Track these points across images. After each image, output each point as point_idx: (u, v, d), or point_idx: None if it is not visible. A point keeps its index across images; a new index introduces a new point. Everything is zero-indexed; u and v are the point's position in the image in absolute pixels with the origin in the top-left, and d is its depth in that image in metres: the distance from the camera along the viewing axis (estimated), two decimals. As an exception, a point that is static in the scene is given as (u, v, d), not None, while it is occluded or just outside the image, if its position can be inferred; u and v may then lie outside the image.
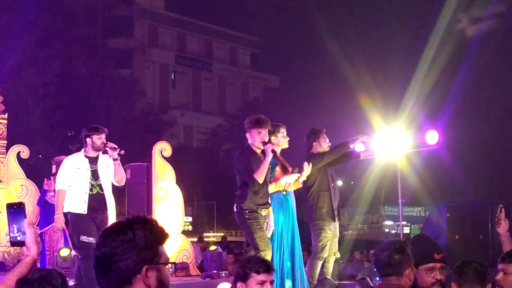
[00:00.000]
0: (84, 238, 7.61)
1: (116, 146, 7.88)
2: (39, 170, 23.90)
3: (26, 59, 27.83)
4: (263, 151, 7.39)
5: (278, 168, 7.77)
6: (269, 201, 7.42)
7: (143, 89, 40.14)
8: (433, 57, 25.61)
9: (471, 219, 15.03)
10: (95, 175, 7.84)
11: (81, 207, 7.74)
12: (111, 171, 7.91)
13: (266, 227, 7.43)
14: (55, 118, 28.69)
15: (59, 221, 7.78)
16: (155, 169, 12.17)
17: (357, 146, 8.87)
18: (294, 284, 7.58)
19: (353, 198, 29.16)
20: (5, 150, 13.44)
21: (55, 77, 28.42)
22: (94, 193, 7.80)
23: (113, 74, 34.93)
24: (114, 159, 7.87)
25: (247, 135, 7.43)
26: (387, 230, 30.95)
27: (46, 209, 11.88)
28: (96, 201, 7.80)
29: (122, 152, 7.91)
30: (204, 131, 48.28)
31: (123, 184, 8.24)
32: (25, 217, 2.98)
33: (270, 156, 7.28)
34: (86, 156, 7.89)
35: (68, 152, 23.89)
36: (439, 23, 25.37)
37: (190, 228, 31.99)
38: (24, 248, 3.04)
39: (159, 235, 2.43)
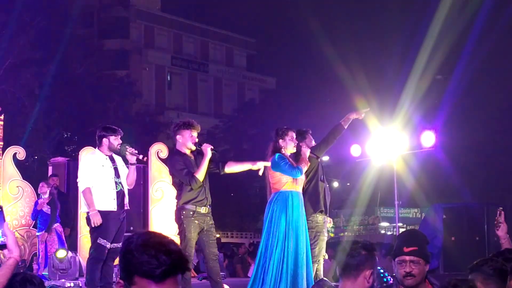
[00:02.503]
0: (101, 241, 7.61)
1: (136, 151, 7.94)
2: (35, 172, 23.92)
3: (22, 60, 27.80)
4: (192, 152, 7.71)
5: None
6: (208, 198, 7.68)
7: (139, 90, 40.10)
8: (428, 57, 25.63)
9: (467, 220, 15.09)
10: (116, 173, 7.87)
11: (111, 204, 7.75)
12: (126, 171, 7.99)
13: (204, 227, 7.60)
14: (51, 119, 28.67)
15: (96, 218, 7.61)
16: (152, 170, 12.18)
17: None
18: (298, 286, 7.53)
19: (350, 200, 29.15)
20: (1, 151, 13.44)
21: (51, 78, 28.37)
22: (118, 190, 7.83)
23: (109, 75, 34.92)
24: (132, 164, 7.94)
25: (177, 137, 7.72)
26: (383, 231, 30.94)
27: (43, 212, 11.90)
28: (120, 198, 7.84)
29: (145, 158, 8.03)
30: (200, 132, 48.17)
31: (132, 187, 8.26)
32: (4, 220, 2.97)
33: (209, 154, 7.60)
34: (105, 155, 7.88)
35: (64, 154, 23.94)
36: (434, 24, 25.40)
37: (186, 229, 31.96)
38: (5, 251, 3.02)
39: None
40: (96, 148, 7.96)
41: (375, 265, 3.69)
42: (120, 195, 7.84)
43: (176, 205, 7.66)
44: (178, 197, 7.62)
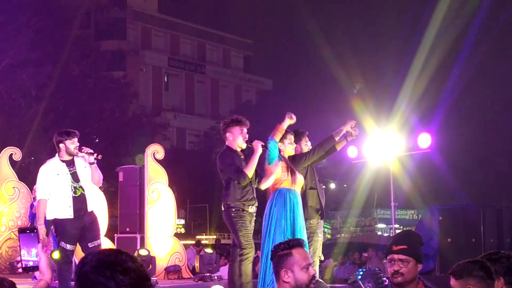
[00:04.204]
0: (63, 244, 7.71)
1: (92, 151, 7.83)
2: (31, 172, 23.87)
3: (19, 61, 27.75)
4: (242, 150, 7.50)
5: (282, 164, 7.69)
6: (255, 198, 7.49)
7: (136, 92, 40.09)
8: (425, 60, 25.68)
9: (463, 222, 15.10)
10: (75, 177, 7.79)
11: (67, 212, 7.73)
12: (89, 172, 7.88)
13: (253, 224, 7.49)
14: (48, 120, 28.63)
15: (42, 231, 7.63)
16: (148, 171, 12.15)
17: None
18: None
19: (346, 201, 29.19)
20: (-3, 152, 13.40)
21: (48, 79, 28.35)
22: (78, 195, 7.78)
23: (106, 76, 34.89)
24: (91, 163, 7.81)
25: (227, 135, 7.49)
26: (379, 233, 31.00)
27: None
28: (81, 202, 7.79)
29: (100, 156, 7.87)
30: (197, 134, 48.28)
31: (100, 185, 8.23)
32: (38, 242, 2.96)
33: (260, 151, 7.35)
34: (62, 161, 7.82)
35: (61, 155, 23.77)
36: (431, 26, 25.44)
37: (182, 231, 31.98)
38: (36, 272, 3.01)
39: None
40: (56, 154, 7.90)
41: (292, 263, 3.58)
42: (79, 200, 7.78)
43: (224, 205, 7.44)
44: (226, 195, 7.40)
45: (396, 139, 16.29)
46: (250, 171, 7.32)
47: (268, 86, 53.51)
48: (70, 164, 7.83)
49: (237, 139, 7.44)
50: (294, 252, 3.61)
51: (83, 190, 7.82)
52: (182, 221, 33.04)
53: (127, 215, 12.30)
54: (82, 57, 32.32)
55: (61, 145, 7.80)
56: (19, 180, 13.51)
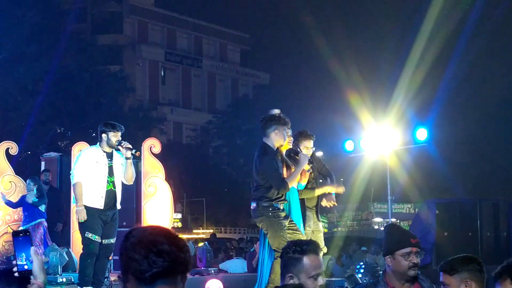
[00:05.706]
0: (89, 235, 7.64)
1: (131, 146, 7.90)
2: (27, 167, 23.86)
3: (15, 55, 27.69)
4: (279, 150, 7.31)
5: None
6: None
7: (133, 86, 40.03)
8: (421, 54, 25.66)
9: (460, 216, 15.11)
10: (110, 171, 7.85)
11: (98, 202, 7.73)
12: (123, 170, 7.94)
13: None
14: (44, 114, 28.58)
15: (82, 213, 7.64)
16: (145, 165, 12.13)
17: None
18: None
19: (343, 195, 29.07)
20: (-7, 147, 13.37)
21: (44, 73, 28.29)
22: (108, 189, 7.82)
23: (103, 70, 34.80)
24: (127, 158, 7.88)
25: (273, 132, 7.14)
26: (376, 227, 31.00)
27: (29, 206, 11.89)
28: (109, 197, 7.82)
29: (138, 153, 7.95)
30: (194, 128, 48.27)
31: (132, 183, 8.26)
32: (32, 245, 2.97)
33: (305, 164, 7.19)
34: (103, 151, 7.88)
35: (57, 149, 23.84)
36: (427, 20, 25.43)
37: (179, 225, 31.99)
38: (31, 277, 3.00)
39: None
40: (98, 143, 7.97)
41: (300, 270, 3.34)
42: (109, 194, 7.80)
43: (258, 204, 7.15)
44: (262, 195, 7.13)
45: (392, 133, 16.29)
46: (292, 183, 7.18)
47: (265, 80, 53.48)
48: (109, 156, 7.88)
49: (281, 140, 7.14)
50: (305, 259, 3.35)
51: (114, 186, 7.85)
52: (179, 215, 33.04)
53: (124, 209, 12.22)
54: (78, 51, 32.24)
55: (103, 135, 7.87)
56: (16, 174, 13.50)
